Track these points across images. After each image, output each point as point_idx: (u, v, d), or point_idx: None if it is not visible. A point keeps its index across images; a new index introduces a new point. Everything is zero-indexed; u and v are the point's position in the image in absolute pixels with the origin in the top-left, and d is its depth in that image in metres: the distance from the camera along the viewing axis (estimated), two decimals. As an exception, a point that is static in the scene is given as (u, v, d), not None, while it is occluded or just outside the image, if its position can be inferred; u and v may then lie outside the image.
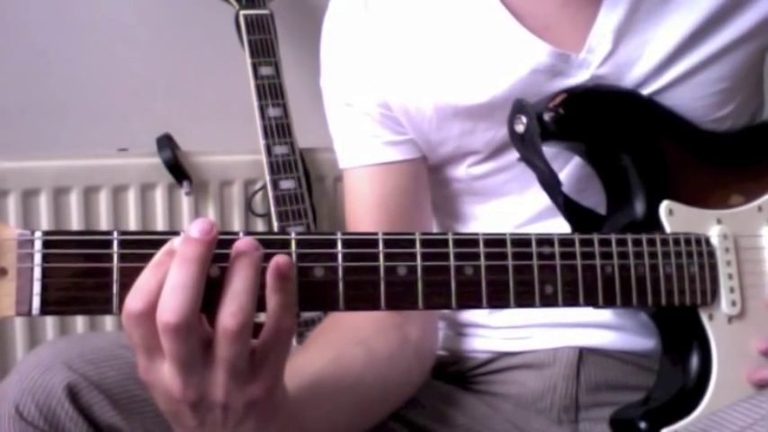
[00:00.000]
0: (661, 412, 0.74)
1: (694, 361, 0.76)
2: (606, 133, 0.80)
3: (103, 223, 1.52)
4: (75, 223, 1.50)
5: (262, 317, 0.57)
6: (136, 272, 0.54)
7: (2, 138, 1.54)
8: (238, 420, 0.57)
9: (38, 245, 0.54)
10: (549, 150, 0.79)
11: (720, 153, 0.84)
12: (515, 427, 0.84)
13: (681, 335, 0.78)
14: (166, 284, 0.53)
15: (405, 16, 0.86)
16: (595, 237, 0.70)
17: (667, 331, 0.79)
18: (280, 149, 1.50)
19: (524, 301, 0.66)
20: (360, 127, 0.89)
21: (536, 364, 0.86)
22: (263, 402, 0.57)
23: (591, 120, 0.79)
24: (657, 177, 0.79)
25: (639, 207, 0.78)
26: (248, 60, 1.51)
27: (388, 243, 0.61)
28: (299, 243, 0.58)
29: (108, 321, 1.46)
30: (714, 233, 0.78)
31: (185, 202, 1.59)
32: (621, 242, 0.71)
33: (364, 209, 0.89)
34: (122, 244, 0.55)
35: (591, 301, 0.69)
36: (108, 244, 0.55)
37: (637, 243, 0.72)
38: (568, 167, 0.84)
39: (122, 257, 0.55)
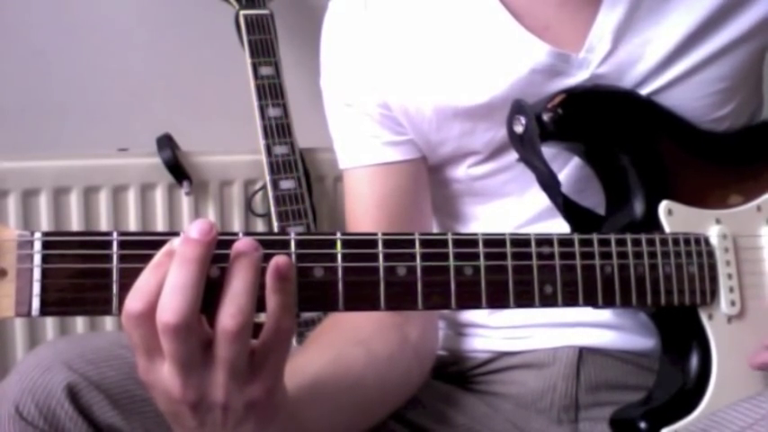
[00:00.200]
0: (661, 412, 0.74)
1: (694, 361, 0.76)
2: (605, 133, 0.80)
3: (103, 223, 1.52)
4: (75, 223, 1.50)
5: (262, 317, 0.57)
6: (135, 272, 0.54)
7: (2, 138, 1.54)
8: (238, 421, 0.57)
9: (37, 246, 0.54)
10: (548, 151, 0.79)
11: (719, 153, 0.84)
12: (515, 427, 0.84)
13: (680, 335, 0.78)
14: (166, 285, 0.53)
15: (404, 16, 0.86)
16: (595, 237, 0.70)
17: (667, 331, 0.79)
18: (280, 149, 1.50)
19: (524, 301, 0.66)
20: (360, 127, 0.89)
21: (536, 363, 0.86)
22: (263, 403, 0.57)
23: (590, 120, 0.79)
24: (656, 177, 0.79)
25: (639, 207, 0.78)
26: (248, 60, 1.51)
27: (387, 243, 0.61)
28: (299, 243, 0.58)
29: (108, 321, 1.46)
30: (713, 233, 0.78)
31: (185, 202, 1.59)
32: (621, 242, 0.71)
33: (364, 209, 0.89)
34: (122, 245, 0.55)
35: (590, 302, 0.69)
36: (108, 245, 0.55)
37: (636, 243, 0.72)
38: (568, 168, 0.84)
39: (122, 258, 0.55)
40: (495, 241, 0.65)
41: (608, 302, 0.70)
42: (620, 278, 0.70)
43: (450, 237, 0.63)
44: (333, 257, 0.59)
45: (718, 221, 0.79)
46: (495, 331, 0.89)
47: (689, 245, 0.75)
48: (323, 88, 0.93)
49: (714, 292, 0.76)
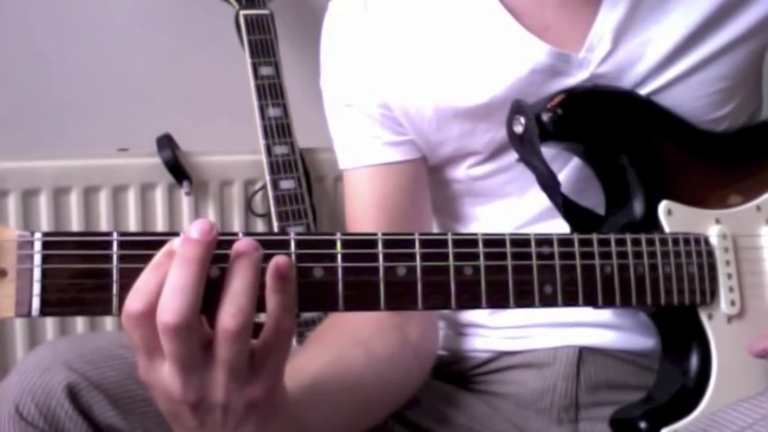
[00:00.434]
0: (661, 412, 0.74)
1: (694, 361, 0.76)
2: (604, 134, 0.80)
3: (103, 223, 1.52)
4: (75, 223, 1.50)
5: (262, 317, 0.57)
6: (135, 273, 0.54)
7: (2, 138, 1.54)
8: (238, 421, 0.57)
9: (37, 246, 0.54)
10: (548, 151, 0.79)
11: (719, 153, 0.84)
12: (515, 427, 0.84)
13: (680, 335, 0.78)
14: (166, 285, 0.53)
15: (404, 17, 0.87)
16: (594, 237, 0.70)
17: (667, 331, 0.79)
18: (280, 149, 1.51)
19: (524, 301, 0.66)
20: (360, 127, 0.89)
21: (536, 363, 0.86)
22: (263, 403, 0.57)
23: (589, 120, 0.79)
24: (656, 177, 0.79)
25: (638, 207, 0.78)
26: (248, 60, 1.51)
27: (387, 243, 0.61)
28: (299, 243, 0.58)
29: (108, 321, 1.46)
30: (713, 233, 0.78)
31: (185, 202, 1.59)
32: (620, 242, 0.71)
33: (364, 209, 0.89)
34: (122, 245, 0.55)
35: (590, 301, 0.69)
36: (107, 245, 0.55)
37: (636, 243, 0.72)
38: (567, 168, 0.84)
39: (122, 258, 0.55)
40: (494, 241, 0.65)
41: (608, 302, 0.70)
42: (620, 278, 0.70)
43: (449, 237, 0.63)
44: (333, 258, 0.59)
45: (717, 221, 0.79)
46: (495, 331, 0.89)
47: (688, 245, 0.75)
48: (323, 88, 0.93)
49: (714, 292, 0.76)
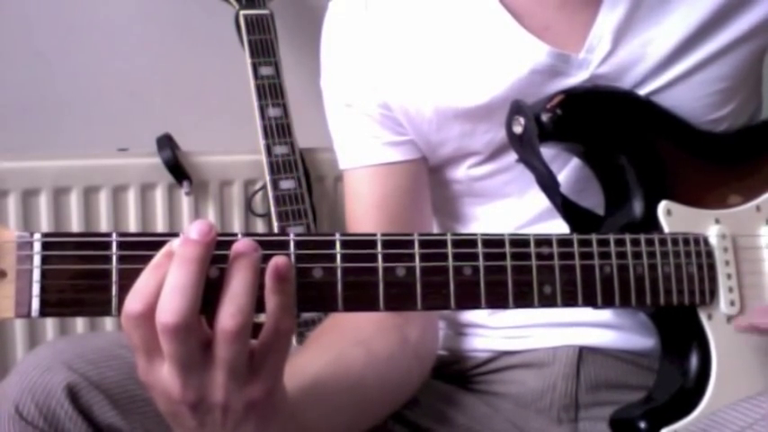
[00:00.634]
0: (661, 412, 0.74)
1: (694, 361, 0.76)
2: (604, 134, 0.80)
3: (103, 223, 1.52)
4: (75, 223, 1.50)
5: (261, 317, 0.57)
6: (135, 273, 0.55)
7: (2, 138, 1.54)
8: (238, 421, 0.57)
9: (37, 247, 0.54)
10: (547, 152, 0.79)
11: (719, 153, 0.84)
12: (515, 427, 0.84)
13: (680, 335, 0.78)
14: (165, 286, 0.53)
15: (405, 17, 0.87)
16: (594, 237, 0.70)
17: (666, 331, 0.79)
18: (280, 149, 1.51)
19: (523, 301, 0.66)
20: (360, 127, 0.89)
21: (536, 363, 0.86)
22: (263, 403, 0.57)
23: (589, 120, 0.79)
24: (655, 178, 0.79)
25: (638, 207, 0.78)
26: (248, 60, 1.51)
27: (386, 244, 0.61)
28: (298, 244, 0.58)
29: (108, 321, 1.46)
30: (712, 233, 0.78)
31: (185, 202, 1.59)
32: (620, 242, 0.71)
33: (364, 209, 0.89)
34: (121, 246, 0.55)
35: (589, 302, 0.69)
36: (107, 246, 0.55)
37: (635, 243, 0.72)
38: (567, 168, 0.84)
39: (121, 259, 0.55)
40: (494, 242, 0.65)
41: (607, 303, 0.70)
42: (620, 278, 0.70)
43: (449, 237, 0.63)
44: (332, 258, 0.59)
45: (717, 221, 0.79)
46: (495, 331, 0.89)
47: (688, 245, 0.75)
48: (323, 88, 0.93)
49: (713, 292, 0.76)
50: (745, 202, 0.82)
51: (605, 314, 0.84)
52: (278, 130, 1.51)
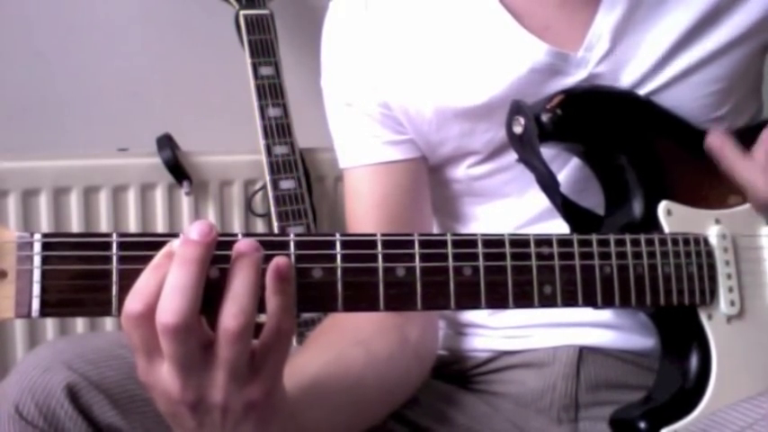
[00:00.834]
0: (661, 412, 0.74)
1: (694, 361, 0.76)
2: (604, 134, 0.80)
3: (103, 223, 1.52)
4: (75, 223, 1.50)
5: (262, 317, 0.57)
6: (135, 274, 0.55)
7: (2, 138, 1.54)
8: (237, 421, 0.57)
9: (37, 247, 0.54)
10: (547, 152, 0.79)
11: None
12: (515, 427, 0.84)
13: (680, 335, 0.78)
14: (165, 286, 0.53)
15: (405, 17, 0.87)
16: (594, 237, 0.70)
17: (666, 331, 0.79)
18: (280, 149, 1.51)
19: (523, 301, 0.66)
20: (360, 127, 0.89)
21: (536, 363, 0.86)
22: (262, 403, 0.57)
23: (588, 120, 0.79)
24: (655, 178, 0.79)
25: (638, 207, 0.78)
26: (248, 60, 1.52)
27: (386, 244, 0.61)
28: (298, 244, 0.58)
29: (108, 321, 1.46)
30: (712, 233, 0.78)
31: (185, 202, 1.59)
32: (620, 242, 0.71)
33: (364, 209, 0.89)
34: (121, 246, 0.55)
35: (589, 302, 0.69)
36: (107, 246, 0.55)
37: (635, 243, 0.72)
38: (567, 168, 0.84)
39: (122, 259, 0.55)
40: (494, 242, 0.65)
41: (607, 303, 0.70)
42: (620, 278, 0.70)
43: (449, 237, 0.63)
44: (332, 258, 0.59)
45: (717, 221, 0.79)
46: (495, 331, 0.89)
47: (688, 245, 0.75)
48: (323, 88, 0.93)
49: (713, 292, 0.76)
50: (745, 201, 0.82)
51: (605, 314, 0.84)
52: (278, 130, 1.51)
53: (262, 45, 1.53)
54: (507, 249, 0.65)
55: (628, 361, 0.85)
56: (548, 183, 0.78)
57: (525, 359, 0.87)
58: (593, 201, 0.81)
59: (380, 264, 0.60)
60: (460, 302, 0.63)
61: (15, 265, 0.53)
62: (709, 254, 0.77)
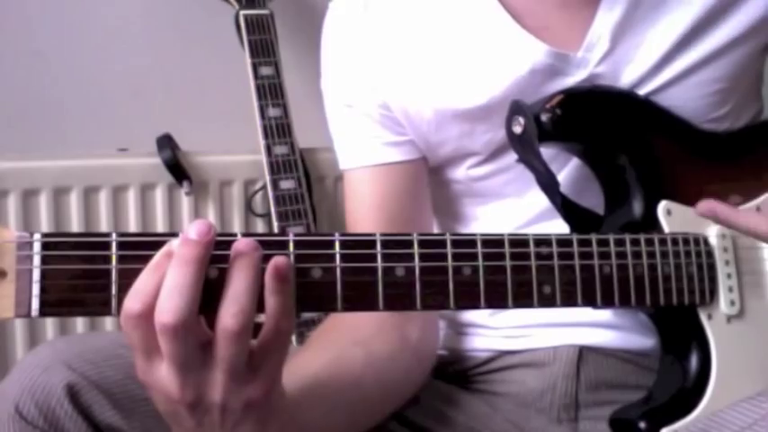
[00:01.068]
0: (661, 412, 0.74)
1: (694, 361, 0.76)
2: (603, 134, 0.80)
3: (103, 223, 1.52)
4: (75, 223, 1.50)
5: (261, 317, 0.57)
6: (134, 273, 0.55)
7: (2, 138, 1.54)
8: (236, 421, 0.57)
9: (37, 247, 0.54)
10: (547, 152, 0.79)
11: (718, 153, 0.84)
12: (515, 427, 0.84)
13: (680, 335, 0.78)
14: (164, 286, 0.53)
15: (404, 18, 0.87)
16: (593, 237, 0.70)
17: (666, 331, 0.79)
18: (280, 149, 1.51)
19: (523, 301, 0.66)
20: (360, 128, 0.89)
21: (536, 362, 0.86)
22: (262, 403, 0.57)
23: (588, 120, 0.79)
24: (655, 177, 0.79)
25: (637, 207, 0.78)
26: (248, 60, 1.52)
27: (386, 244, 0.61)
28: (298, 244, 0.58)
29: (108, 321, 1.46)
30: (712, 233, 0.78)
31: (185, 202, 1.59)
32: (619, 242, 0.71)
33: (365, 209, 0.89)
34: (121, 246, 0.55)
35: (589, 302, 0.69)
36: (106, 246, 0.55)
37: (635, 243, 0.72)
38: (567, 169, 0.84)
39: (121, 259, 0.55)
40: (493, 241, 0.65)
41: (607, 302, 0.70)
42: (619, 278, 0.70)
43: (448, 237, 0.63)
44: (332, 258, 0.59)
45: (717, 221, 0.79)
46: (495, 331, 0.89)
47: (688, 245, 0.75)
48: (323, 89, 0.93)
49: (713, 292, 0.76)
50: (745, 202, 0.82)
51: (605, 314, 0.84)
52: (278, 130, 1.51)
53: (262, 45, 1.53)
54: (507, 249, 0.65)
55: (628, 361, 0.85)
56: (547, 183, 0.78)
57: (525, 359, 0.87)
58: (593, 201, 0.81)
59: (380, 264, 0.60)
60: (460, 302, 0.63)
61: (15, 265, 0.53)
62: (709, 254, 0.77)
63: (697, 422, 0.73)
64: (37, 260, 0.54)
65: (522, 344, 0.87)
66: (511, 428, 0.84)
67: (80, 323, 1.51)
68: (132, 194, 1.55)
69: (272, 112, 1.51)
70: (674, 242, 0.74)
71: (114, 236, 0.55)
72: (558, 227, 0.79)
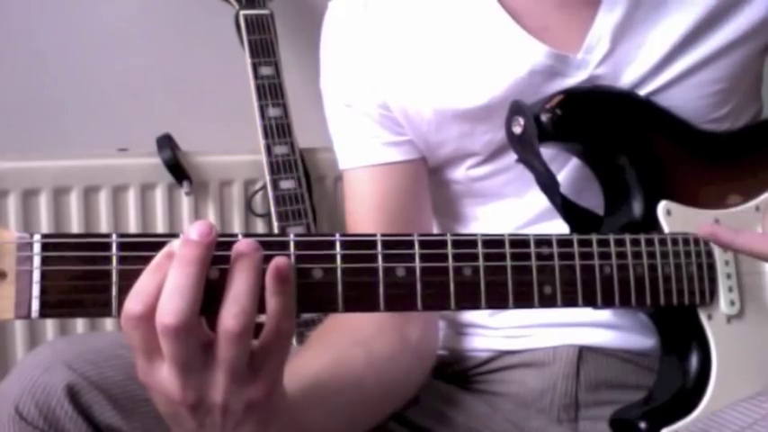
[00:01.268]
0: (661, 412, 0.74)
1: (694, 361, 0.76)
2: (603, 134, 0.80)
3: (103, 223, 1.52)
4: (75, 223, 1.50)
5: (262, 317, 0.57)
6: (135, 274, 0.55)
7: (2, 138, 1.54)
8: (237, 422, 0.57)
9: (37, 248, 0.54)
10: (547, 152, 0.79)
11: (718, 153, 0.84)
12: (515, 427, 0.84)
13: (680, 335, 0.78)
14: (165, 287, 0.53)
15: (404, 18, 0.87)
16: (594, 237, 0.70)
17: (666, 331, 0.79)
18: (280, 149, 1.51)
19: (523, 301, 0.66)
20: (360, 128, 0.89)
21: (536, 362, 0.86)
22: (262, 404, 0.57)
23: (588, 120, 0.79)
24: (655, 178, 0.79)
25: (637, 208, 0.78)
26: (248, 60, 1.52)
27: (386, 244, 0.61)
28: (298, 244, 0.58)
29: (108, 321, 1.46)
30: (712, 233, 0.78)
31: (185, 202, 1.59)
32: (620, 242, 0.71)
33: (364, 210, 0.89)
34: (121, 246, 0.55)
35: (589, 302, 0.69)
36: (107, 246, 0.55)
37: (635, 243, 0.72)
38: (567, 169, 0.84)
39: (121, 260, 0.55)
40: (494, 242, 0.65)
41: (607, 303, 0.70)
42: (619, 278, 0.70)
43: (449, 237, 0.63)
44: (332, 258, 0.59)
45: (717, 221, 0.79)
46: (495, 331, 0.89)
47: (688, 245, 0.75)
48: (323, 89, 0.93)
49: (713, 292, 0.76)
50: (744, 201, 0.82)
51: (605, 314, 0.84)
52: (278, 130, 1.51)
53: (262, 45, 1.53)
54: (507, 249, 0.65)
55: (628, 361, 0.85)
56: (547, 183, 0.78)
57: (525, 359, 0.87)
58: (593, 201, 0.81)
59: (380, 264, 0.60)
60: (460, 303, 0.63)
61: (15, 266, 0.53)
62: (709, 254, 0.76)
63: (697, 422, 0.73)
64: (37, 261, 0.54)
65: (522, 344, 0.87)
66: (511, 428, 0.84)
67: (80, 323, 1.51)
68: (132, 194, 1.55)
69: (272, 112, 1.51)
70: (674, 242, 0.74)
71: (115, 237, 0.55)
72: (558, 227, 0.79)
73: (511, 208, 0.88)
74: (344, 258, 0.60)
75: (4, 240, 0.53)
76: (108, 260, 0.55)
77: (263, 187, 1.58)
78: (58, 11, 1.61)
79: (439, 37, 0.85)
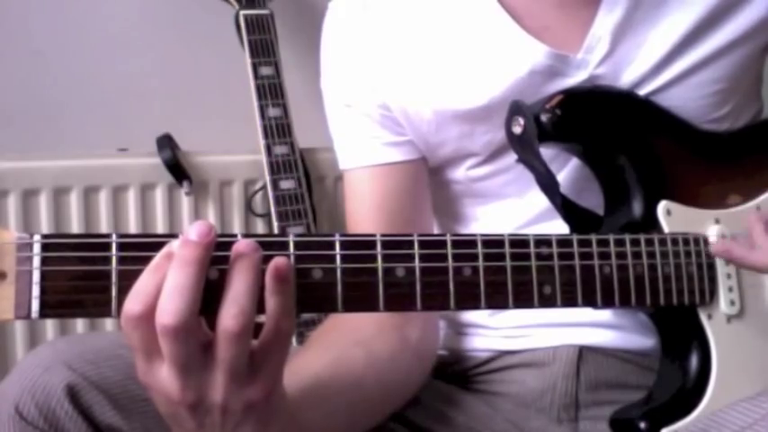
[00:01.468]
0: (661, 412, 0.74)
1: (694, 361, 0.76)
2: (603, 134, 0.80)
3: (103, 223, 1.52)
4: (75, 223, 1.50)
5: (261, 318, 0.57)
6: (134, 275, 0.55)
7: (2, 138, 1.54)
8: (237, 422, 0.57)
9: (36, 248, 0.54)
10: (547, 152, 0.79)
11: (718, 153, 0.84)
12: (515, 427, 0.84)
13: (680, 334, 0.78)
14: (165, 287, 0.53)
15: (404, 18, 0.87)
16: (593, 237, 0.70)
17: (666, 331, 0.79)
18: (280, 149, 1.51)
19: (523, 301, 0.66)
20: (360, 128, 0.89)
21: (536, 362, 0.86)
22: (262, 404, 0.57)
23: (588, 120, 0.79)
24: (655, 178, 0.79)
25: (637, 208, 0.78)
26: (248, 60, 1.52)
27: (386, 244, 0.61)
28: (298, 245, 0.58)
29: (108, 321, 1.46)
30: (712, 233, 0.78)
31: (185, 203, 1.59)
32: (619, 242, 0.71)
33: (365, 210, 0.89)
34: (121, 247, 0.55)
35: (589, 302, 0.69)
36: (106, 247, 0.55)
37: (635, 243, 0.72)
38: (566, 169, 0.84)
39: (121, 260, 0.55)
40: (493, 242, 0.65)
41: (607, 303, 0.70)
42: (619, 278, 0.70)
43: (448, 237, 0.63)
44: (332, 259, 0.59)
45: (717, 221, 0.79)
46: (495, 331, 0.89)
47: (688, 245, 0.75)
48: (323, 89, 0.93)
49: (713, 292, 0.76)
50: (744, 201, 0.82)
51: (605, 314, 0.84)
52: (278, 130, 1.51)
53: (262, 45, 1.53)
54: (507, 249, 0.65)
55: (628, 361, 0.85)
56: (547, 183, 0.78)
57: (525, 359, 0.87)
58: (593, 201, 0.81)
59: (380, 264, 0.60)
60: (460, 303, 0.63)
61: (15, 267, 0.53)
62: (709, 254, 0.76)
63: (697, 422, 0.73)
64: (37, 261, 0.54)
65: (521, 344, 0.87)
66: (511, 428, 0.84)
67: (80, 323, 1.51)
68: (132, 194, 1.55)
69: (272, 112, 1.51)
70: (674, 242, 0.74)
71: (114, 237, 0.55)
72: (558, 227, 0.79)
73: (511, 208, 0.88)
74: (344, 258, 0.60)
75: (4, 240, 0.53)
76: (108, 260, 0.55)
77: (263, 187, 1.58)
78: (58, 11, 1.61)
79: (439, 37, 0.85)
